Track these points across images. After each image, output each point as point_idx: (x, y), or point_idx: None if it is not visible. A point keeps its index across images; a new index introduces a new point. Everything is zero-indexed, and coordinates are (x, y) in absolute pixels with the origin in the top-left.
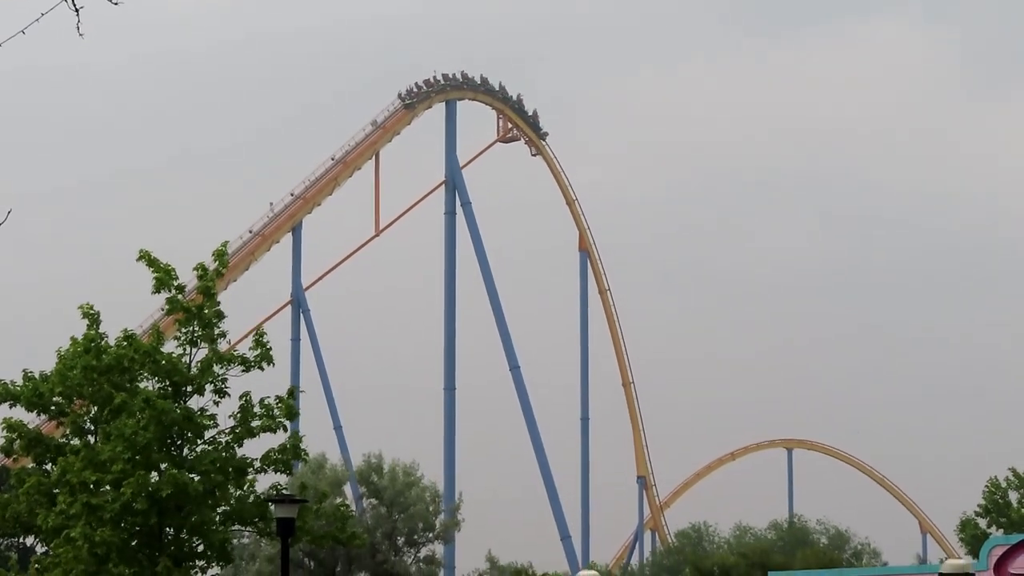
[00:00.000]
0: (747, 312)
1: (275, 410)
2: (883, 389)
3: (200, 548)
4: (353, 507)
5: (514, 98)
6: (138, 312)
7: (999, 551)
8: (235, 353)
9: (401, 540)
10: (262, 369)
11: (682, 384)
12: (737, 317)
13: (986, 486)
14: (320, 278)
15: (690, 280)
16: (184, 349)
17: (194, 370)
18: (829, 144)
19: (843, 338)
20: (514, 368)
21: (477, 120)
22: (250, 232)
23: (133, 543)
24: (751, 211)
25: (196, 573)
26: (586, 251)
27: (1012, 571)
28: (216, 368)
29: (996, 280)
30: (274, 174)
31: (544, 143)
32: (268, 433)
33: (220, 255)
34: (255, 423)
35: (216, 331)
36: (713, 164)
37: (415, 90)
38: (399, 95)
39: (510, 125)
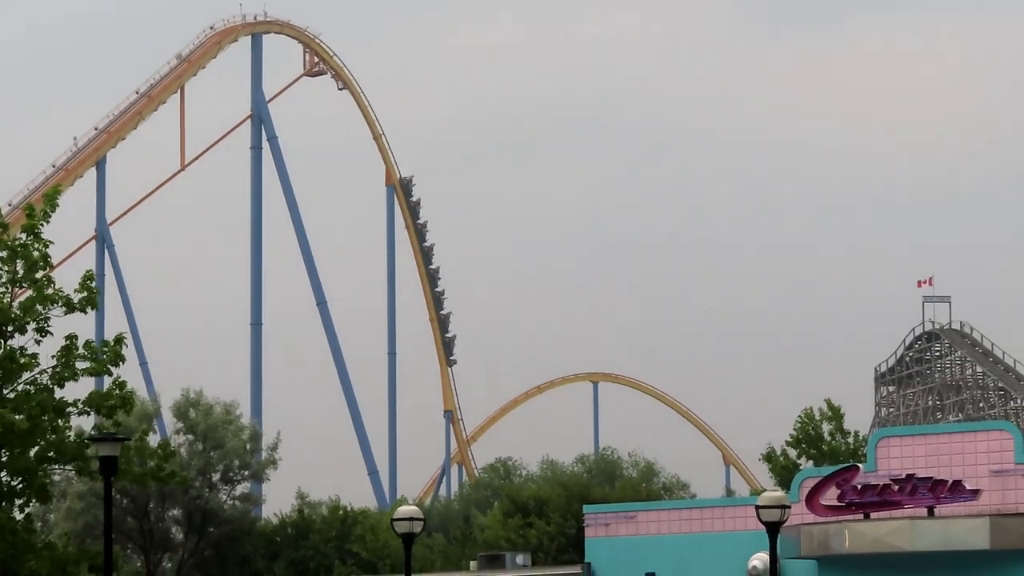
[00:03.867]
0: (553, 246)
1: (100, 354)
2: (687, 323)
3: (19, 487)
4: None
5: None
6: None
7: (810, 483)
8: (60, 293)
9: (216, 477)
10: (85, 312)
11: (489, 319)
12: (543, 251)
13: (799, 417)
14: (125, 213)
15: (497, 213)
16: (6, 288)
17: (16, 310)
18: (619, 75)
19: (646, 271)
20: (321, 303)
21: (284, 54)
22: (53, 167)
23: None
24: (559, 143)
25: (13, 512)
26: (393, 186)
27: (823, 502)
28: (39, 308)
29: (799, 207)
30: (77, 112)
31: (355, 82)
32: (91, 377)
33: (51, 196)
34: (81, 365)
35: (40, 273)
36: (518, 97)
37: None
38: None
39: (316, 59)
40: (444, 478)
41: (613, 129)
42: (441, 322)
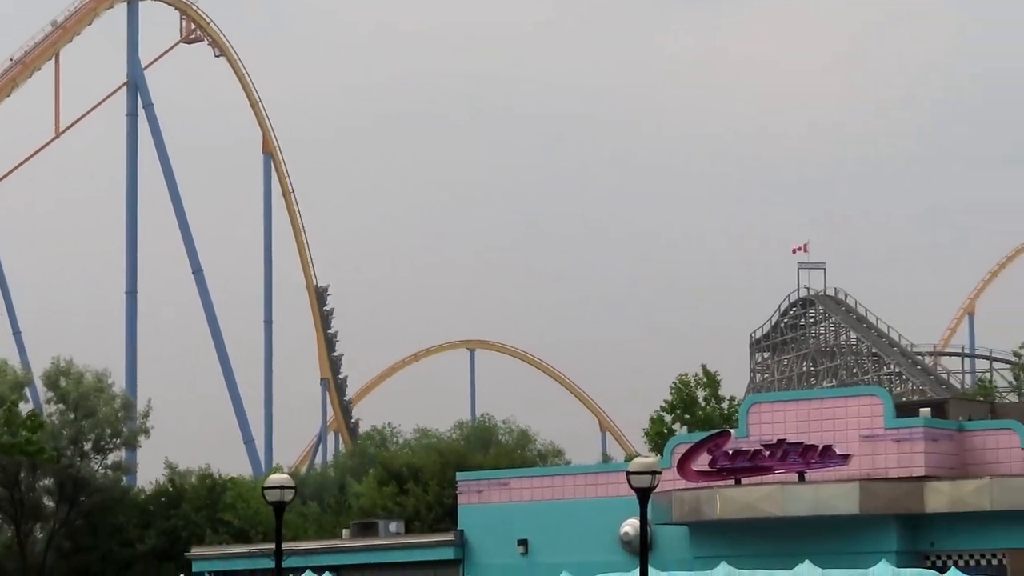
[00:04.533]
0: (432, 215)
1: None
2: (564, 289)
3: None
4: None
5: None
6: None
7: (682, 449)
8: None
9: (88, 446)
10: None
11: (366, 286)
12: (422, 219)
13: (674, 383)
14: None
15: (373, 181)
16: None
17: None
18: (499, 50)
19: (521, 240)
20: (197, 271)
21: (160, 21)
22: None
23: None
24: (434, 115)
25: None
26: (270, 153)
27: (695, 468)
28: None
29: (676, 175)
30: None
31: (232, 49)
32: None
33: None
34: None
35: None
36: (400, 62)
37: None
38: None
39: (193, 26)
40: (320, 446)
41: (489, 104)
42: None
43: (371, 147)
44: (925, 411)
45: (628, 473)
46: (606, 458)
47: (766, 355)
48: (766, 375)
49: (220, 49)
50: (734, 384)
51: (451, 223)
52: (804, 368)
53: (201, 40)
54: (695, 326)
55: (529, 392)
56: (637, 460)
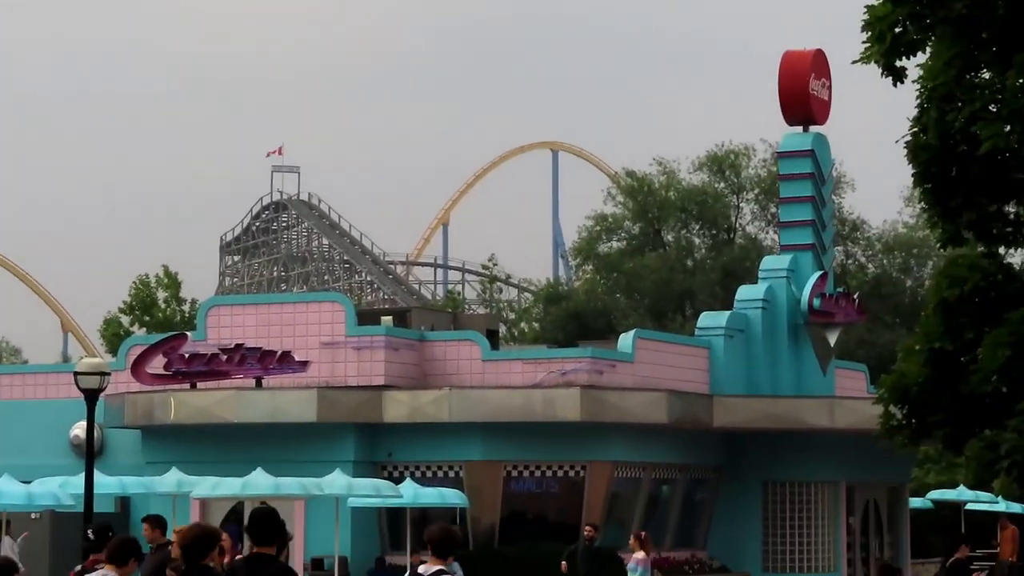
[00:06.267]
0: None
1: None
2: (25, 183)
3: None
4: None
5: None
6: None
7: (137, 351)
8: None
9: None
10: None
11: None
12: None
13: (134, 283)
14: None
15: None
16: None
17: None
18: None
19: None
20: None
21: None
22: None
23: None
24: None
25: None
26: None
27: (150, 371)
28: None
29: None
30: None
31: None
32: None
33: None
34: None
35: None
36: None
37: None
38: None
39: None
40: None
41: None
42: None
43: None
44: (387, 319)
45: (75, 374)
46: (66, 359)
47: (236, 259)
48: (236, 279)
49: None
50: (205, 287)
51: None
52: (275, 273)
53: None
54: (167, 226)
55: None
56: (84, 360)
